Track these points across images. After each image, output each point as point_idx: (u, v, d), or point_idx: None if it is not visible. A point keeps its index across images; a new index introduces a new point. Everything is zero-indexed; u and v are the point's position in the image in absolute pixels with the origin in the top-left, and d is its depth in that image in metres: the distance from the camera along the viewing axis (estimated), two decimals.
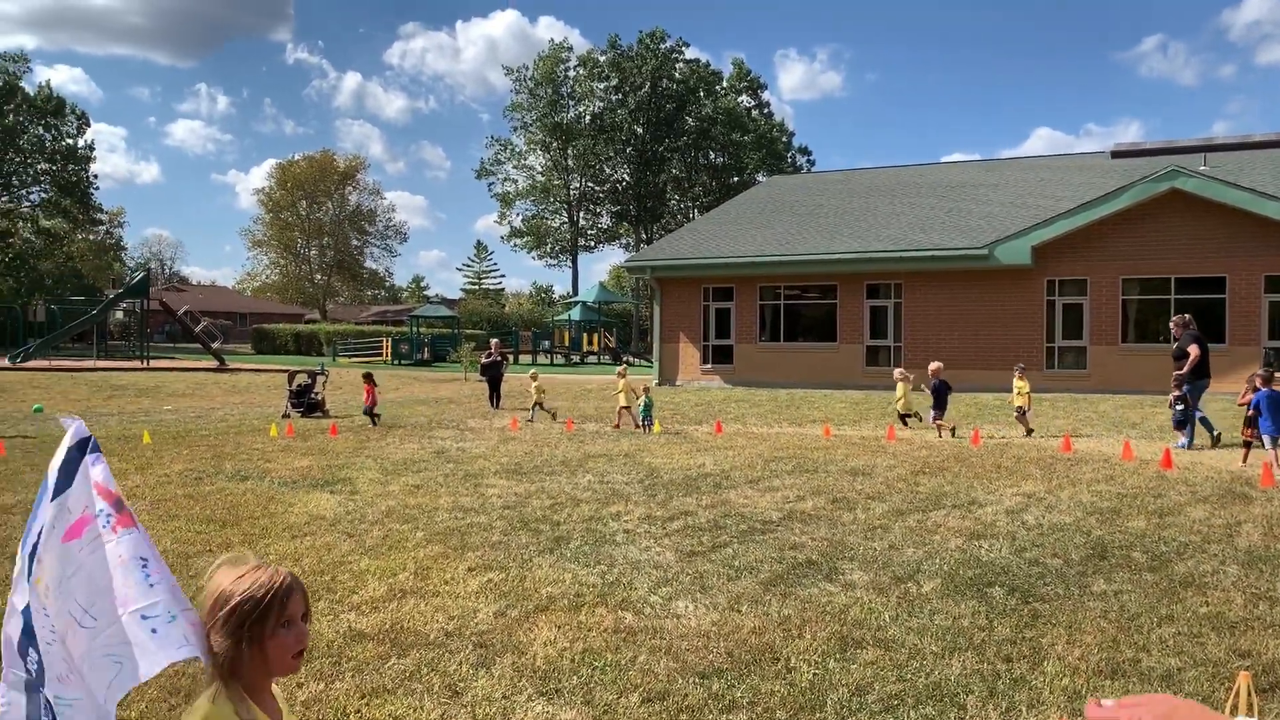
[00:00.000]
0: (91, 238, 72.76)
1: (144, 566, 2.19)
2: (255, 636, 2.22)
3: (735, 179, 76.54)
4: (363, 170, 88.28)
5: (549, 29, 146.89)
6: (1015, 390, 16.43)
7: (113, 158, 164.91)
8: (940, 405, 16.60)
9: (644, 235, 77.78)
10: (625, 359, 22.87)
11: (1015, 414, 16.41)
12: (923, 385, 17.32)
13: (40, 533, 2.23)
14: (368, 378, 18.99)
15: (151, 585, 2.17)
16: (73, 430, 2.31)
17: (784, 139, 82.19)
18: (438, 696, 4.73)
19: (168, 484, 11.19)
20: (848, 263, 28.75)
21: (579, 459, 13.29)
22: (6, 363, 33.54)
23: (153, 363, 37.78)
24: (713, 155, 79.41)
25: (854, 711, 4.62)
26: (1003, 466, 12.42)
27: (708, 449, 14.46)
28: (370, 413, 18.32)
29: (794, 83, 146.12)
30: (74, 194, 63.92)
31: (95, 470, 2.26)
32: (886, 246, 28.55)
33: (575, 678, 5.01)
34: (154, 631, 2.11)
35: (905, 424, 17.36)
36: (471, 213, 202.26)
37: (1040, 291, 27.16)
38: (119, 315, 50.51)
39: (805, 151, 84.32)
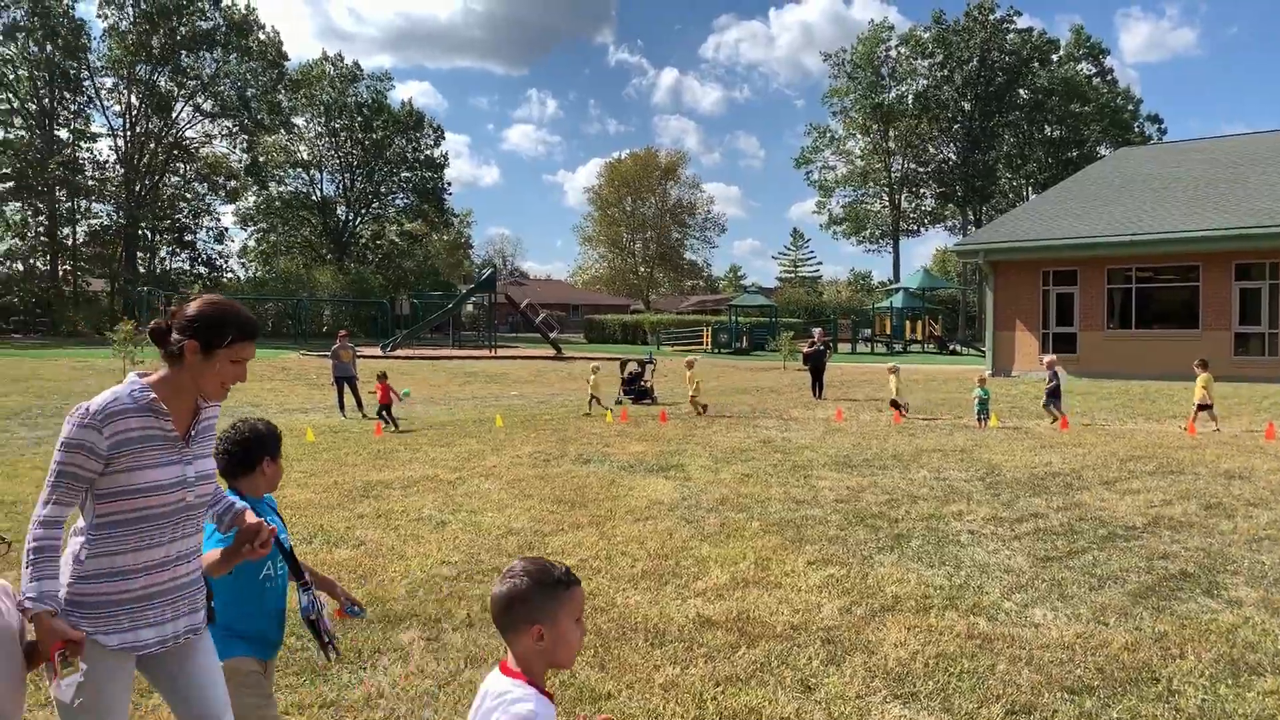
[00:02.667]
0: (445, 238, 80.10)
1: None
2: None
3: (1074, 153, 71.22)
4: (683, 164, 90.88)
5: (865, 10, 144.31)
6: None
7: (458, 163, 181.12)
8: (1056, 395, 16.58)
9: (971, 217, 74.29)
10: (594, 366, 21.88)
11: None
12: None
13: None
14: (382, 376, 17.85)
15: None
16: None
17: (1130, 107, 75.48)
18: (790, 690, 4.72)
19: (520, 465, 12.03)
20: (1213, 240, 25.86)
21: (911, 453, 12.87)
22: (378, 351, 37.60)
23: (499, 351, 40.96)
24: (1048, 129, 74.34)
25: None
26: None
27: (1053, 445, 13.53)
28: (385, 410, 17.32)
29: (1139, 45, 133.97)
30: (431, 199, 70.60)
31: None
32: (1261, 221, 25.38)
33: (930, 682, 4.82)
34: None
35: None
36: (785, 200, 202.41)
37: None
38: (469, 308, 55.20)
39: (1155, 120, 77.03)
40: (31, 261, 56.68)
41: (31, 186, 54.17)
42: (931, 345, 48.15)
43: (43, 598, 2.63)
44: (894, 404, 17.96)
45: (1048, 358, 18.20)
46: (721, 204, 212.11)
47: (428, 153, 70.71)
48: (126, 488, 2.76)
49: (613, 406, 19.75)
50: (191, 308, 2.88)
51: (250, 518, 3.09)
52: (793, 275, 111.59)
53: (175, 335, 2.85)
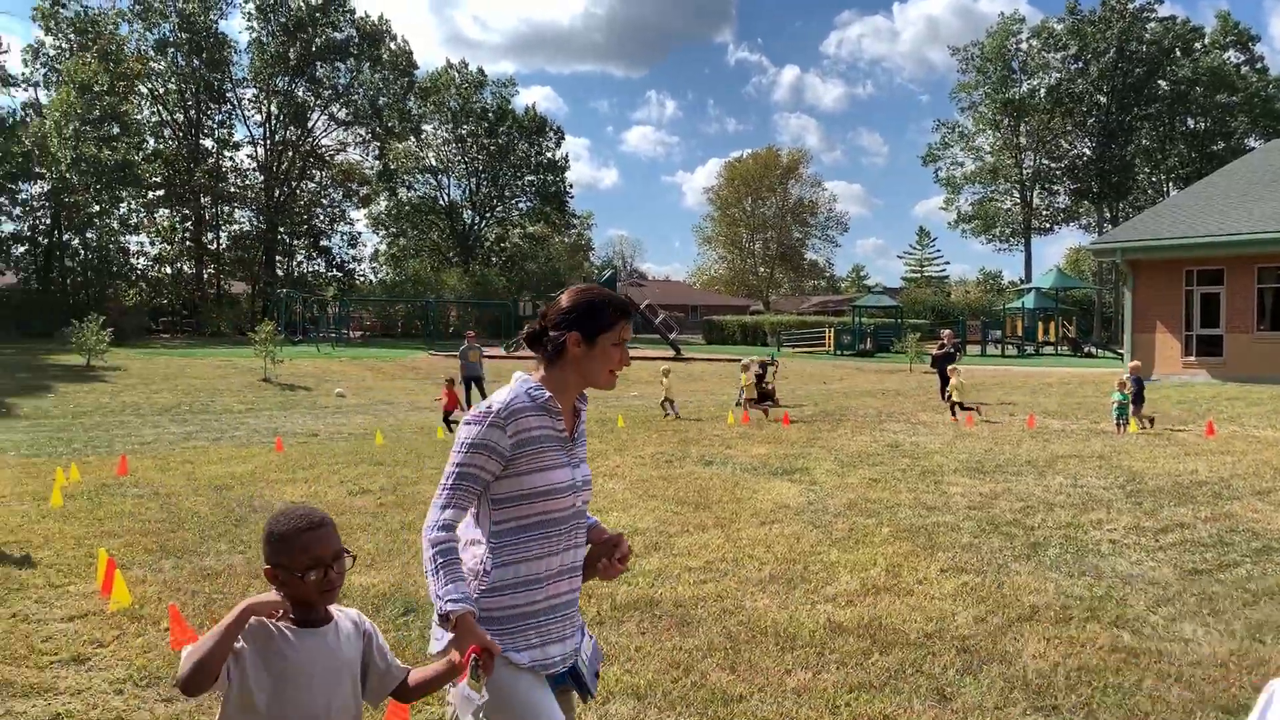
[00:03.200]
0: (566, 240, 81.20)
1: None
2: None
3: (1220, 146, 67.62)
4: (804, 163, 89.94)
5: (993, 2, 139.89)
6: None
7: (578, 166, 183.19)
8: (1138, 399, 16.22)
9: (1107, 214, 71.34)
10: (664, 369, 21.04)
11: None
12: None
13: None
14: (450, 383, 17.83)
15: None
16: None
17: None
18: (925, 699, 4.64)
19: (643, 465, 12.12)
20: None
21: (1046, 459, 12.46)
22: (502, 351, 38.36)
23: None
24: (1191, 121, 70.80)
25: None
26: None
27: (1198, 453, 12.90)
28: (445, 417, 17.25)
29: None
30: (553, 202, 71.68)
31: None
32: None
33: (1074, 696, 4.67)
34: None
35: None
36: (911, 197, 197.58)
37: None
38: None
39: None
40: (179, 265, 59.71)
41: (179, 194, 57.13)
42: (1065, 348, 46.44)
43: (465, 599, 2.51)
44: (961, 406, 17.87)
45: (1132, 363, 18.72)
46: (844, 202, 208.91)
47: (549, 156, 71.80)
48: (527, 491, 2.68)
49: (734, 408, 19.69)
50: (564, 300, 2.83)
51: (604, 529, 2.99)
52: (919, 275, 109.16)
53: (553, 332, 2.80)
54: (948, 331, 24.11)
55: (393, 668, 2.48)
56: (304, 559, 2.30)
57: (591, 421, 18.13)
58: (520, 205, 73.31)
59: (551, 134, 72.01)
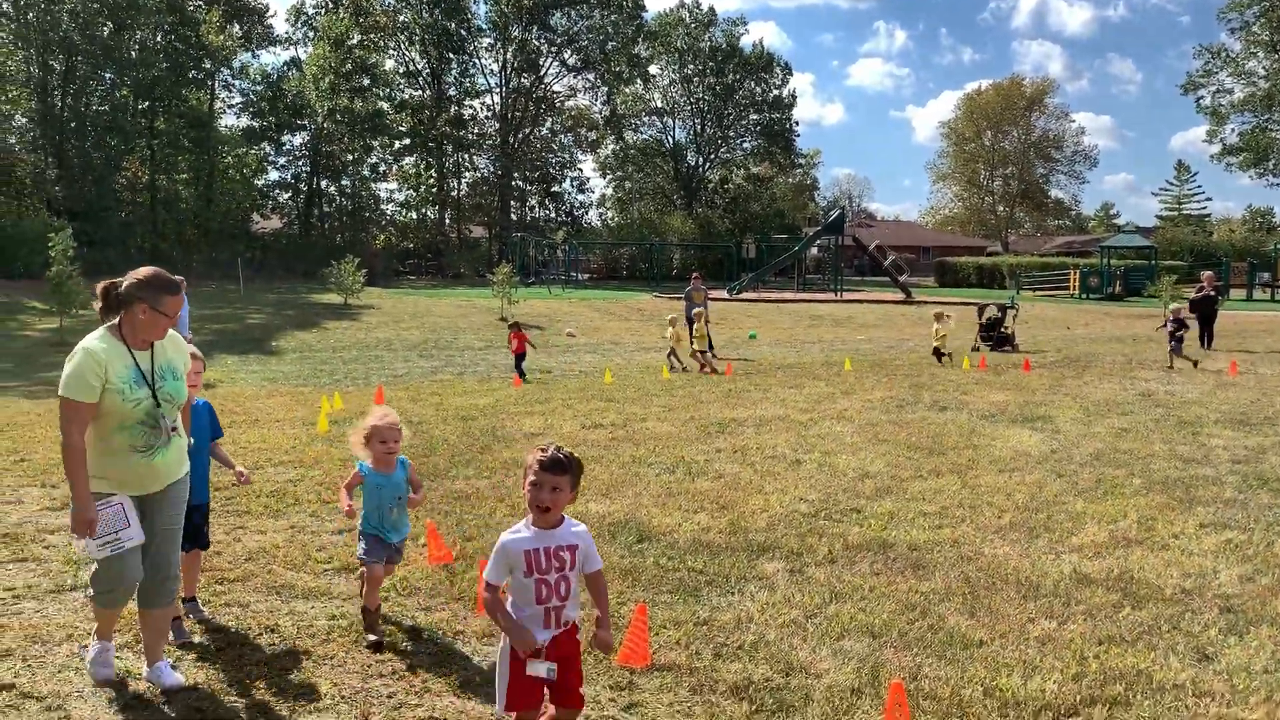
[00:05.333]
0: (791, 180, 79.99)
1: None
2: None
3: None
4: (1051, 93, 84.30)
5: None
6: None
7: (802, 102, 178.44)
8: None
9: None
10: (669, 318, 18.73)
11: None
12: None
13: None
14: (515, 327, 16.83)
15: None
16: None
17: None
18: (1184, 657, 4.36)
19: (872, 409, 11.90)
20: None
21: None
22: (725, 294, 38.48)
23: (845, 295, 40.54)
24: None
25: None
26: None
27: None
28: (517, 361, 16.27)
29: None
30: (779, 140, 70.71)
31: None
32: None
33: None
34: None
35: None
36: (1167, 129, 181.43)
37: None
38: (815, 251, 55.02)
39: None
40: (424, 211, 63.23)
41: (424, 143, 60.26)
42: None
43: None
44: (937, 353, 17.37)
45: (1174, 305, 18.43)
46: (1092, 135, 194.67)
47: (776, 94, 70.72)
48: None
49: (970, 353, 18.95)
50: None
51: None
52: (1175, 213, 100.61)
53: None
54: (1208, 274, 22.10)
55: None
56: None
57: (817, 364, 17.96)
58: (745, 145, 72.78)
59: (779, 71, 70.85)
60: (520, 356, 16.22)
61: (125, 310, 4.05)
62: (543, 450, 3.27)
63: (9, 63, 44.52)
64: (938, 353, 17.56)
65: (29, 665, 4.31)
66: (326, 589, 5.38)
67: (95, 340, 3.99)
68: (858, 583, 5.36)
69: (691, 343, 17.42)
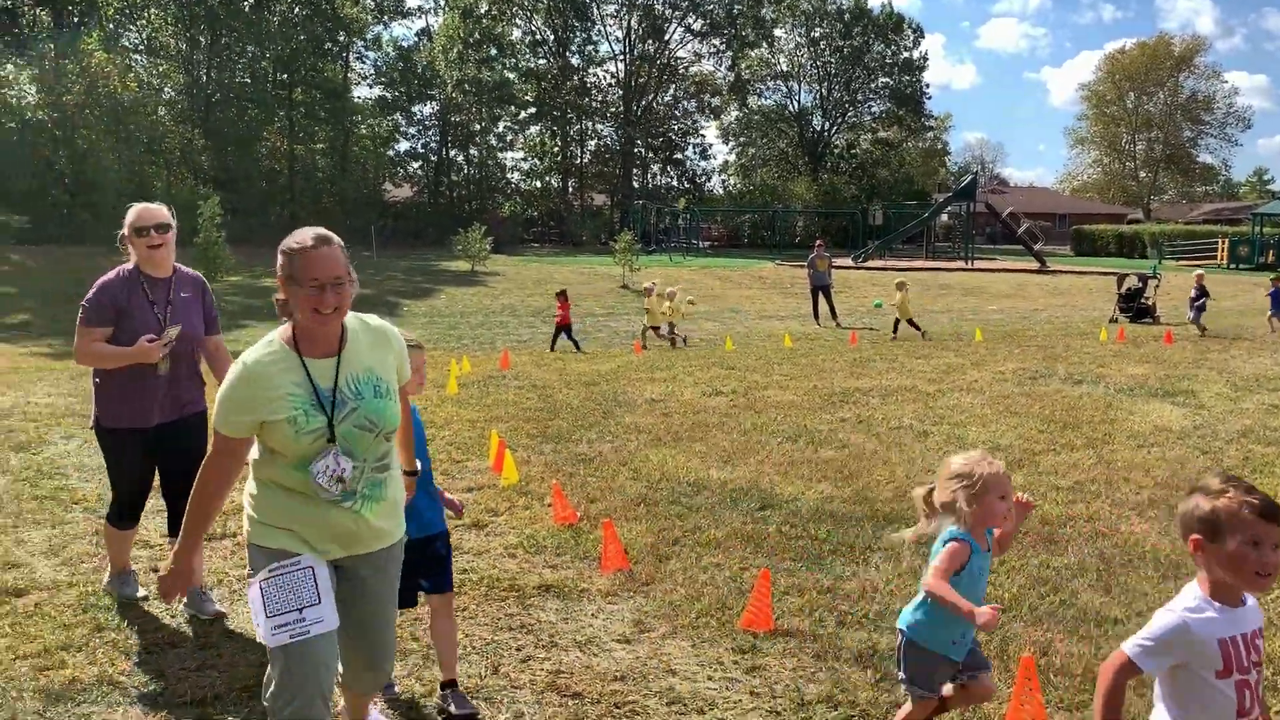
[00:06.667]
0: (920, 144, 77.82)
1: None
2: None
3: None
4: (1201, 52, 79.61)
5: None
6: None
7: (931, 65, 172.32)
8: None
9: None
10: (650, 283, 17.28)
11: None
12: None
13: None
14: (562, 294, 16.34)
15: None
16: None
17: None
18: None
19: (1003, 381, 11.56)
20: None
21: None
22: (849, 262, 37.83)
23: (975, 264, 39.36)
24: None
25: None
26: None
27: None
28: (565, 332, 15.86)
29: None
30: (908, 104, 68.79)
31: None
32: None
33: None
34: None
35: None
36: None
37: None
38: (944, 218, 53.53)
39: None
40: (547, 179, 63.97)
41: (549, 111, 60.85)
42: None
43: None
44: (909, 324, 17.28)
45: (1197, 272, 18.49)
46: (1246, 96, 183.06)
47: (906, 56, 68.73)
48: None
49: (1107, 324, 18.22)
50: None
51: None
52: None
53: None
54: None
55: None
56: None
57: (944, 335, 17.56)
58: (872, 109, 70.99)
59: (909, 32, 68.78)
60: (565, 328, 16.07)
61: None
62: (1247, 494, 2.24)
63: (159, 38, 46.81)
64: (897, 324, 17.45)
65: (185, 605, 4.59)
66: (458, 544, 5.55)
67: (259, 348, 2.84)
68: None
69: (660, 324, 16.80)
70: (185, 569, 2.91)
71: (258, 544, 2.87)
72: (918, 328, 17.18)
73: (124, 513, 4.63)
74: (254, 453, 2.90)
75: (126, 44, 46.44)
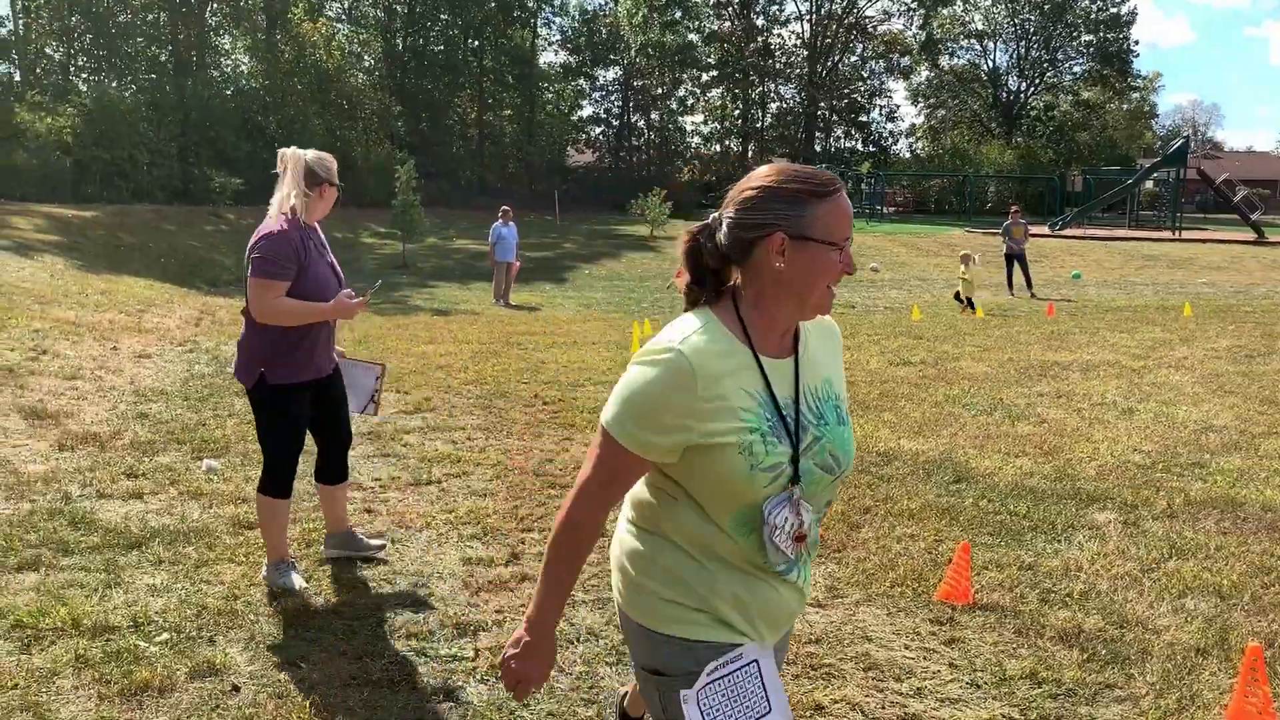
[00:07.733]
0: (1125, 106, 73.06)
1: None
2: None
3: None
4: None
5: None
6: None
7: (1139, 20, 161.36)
8: None
9: None
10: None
11: None
12: None
13: None
14: None
15: None
16: None
17: None
18: None
19: (1217, 358, 10.87)
20: None
21: None
22: (1046, 230, 36.03)
23: (1184, 234, 36.82)
24: None
25: None
26: None
27: None
28: None
29: None
30: (1113, 63, 64.60)
31: None
32: None
33: None
34: None
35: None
36: None
37: None
38: (1150, 184, 50.25)
39: None
40: (727, 143, 63.59)
41: (730, 74, 60.37)
42: None
43: None
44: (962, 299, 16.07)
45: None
46: None
47: (1113, 11, 64.50)
48: None
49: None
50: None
51: None
52: None
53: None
54: None
55: None
56: None
57: (1149, 308, 16.60)
58: (1074, 69, 67.08)
59: None
60: None
61: (743, 266, 1.87)
62: None
63: (360, 7, 49.05)
64: (958, 297, 16.26)
65: (397, 546, 4.88)
66: None
67: (696, 333, 1.81)
68: (1202, 540, 4.97)
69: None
70: (548, 649, 1.94)
71: (669, 634, 1.88)
72: (971, 306, 15.99)
73: (289, 478, 4.38)
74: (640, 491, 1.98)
75: (329, 14, 48.86)
